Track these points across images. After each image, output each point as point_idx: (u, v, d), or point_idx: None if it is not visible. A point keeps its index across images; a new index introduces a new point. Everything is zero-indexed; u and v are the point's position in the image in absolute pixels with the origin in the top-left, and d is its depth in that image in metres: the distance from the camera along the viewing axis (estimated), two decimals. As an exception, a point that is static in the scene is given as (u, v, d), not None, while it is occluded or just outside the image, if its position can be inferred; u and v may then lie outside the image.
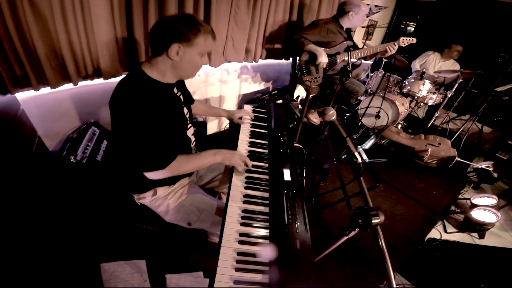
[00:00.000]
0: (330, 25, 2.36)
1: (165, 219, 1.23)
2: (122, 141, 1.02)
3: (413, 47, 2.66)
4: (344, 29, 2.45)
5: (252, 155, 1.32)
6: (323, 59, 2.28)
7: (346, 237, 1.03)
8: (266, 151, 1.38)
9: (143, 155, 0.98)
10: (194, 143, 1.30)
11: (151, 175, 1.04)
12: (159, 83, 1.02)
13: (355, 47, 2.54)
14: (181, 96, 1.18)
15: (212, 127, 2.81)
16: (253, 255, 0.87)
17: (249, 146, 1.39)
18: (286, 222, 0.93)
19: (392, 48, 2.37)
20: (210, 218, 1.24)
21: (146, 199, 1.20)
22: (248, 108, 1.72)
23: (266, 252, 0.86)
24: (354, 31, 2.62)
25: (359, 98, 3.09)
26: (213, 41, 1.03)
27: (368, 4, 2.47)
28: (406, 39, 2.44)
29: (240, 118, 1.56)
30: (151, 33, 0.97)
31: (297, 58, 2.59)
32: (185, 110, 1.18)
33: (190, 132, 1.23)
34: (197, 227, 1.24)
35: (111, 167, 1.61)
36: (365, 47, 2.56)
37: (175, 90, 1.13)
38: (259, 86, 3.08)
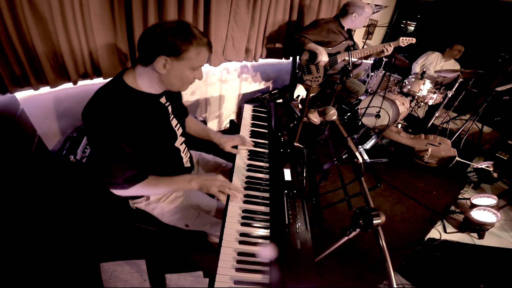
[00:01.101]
0: (331, 25, 2.36)
1: (163, 221, 1.21)
2: (92, 152, 0.96)
3: (413, 47, 2.66)
4: (345, 29, 2.45)
5: (252, 155, 1.32)
6: (323, 58, 2.28)
7: (346, 237, 1.03)
8: (267, 150, 1.38)
9: (106, 172, 0.91)
10: (186, 151, 1.21)
11: (116, 192, 0.99)
12: (141, 93, 0.93)
13: (355, 46, 2.54)
14: (169, 106, 1.07)
15: (212, 127, 2.81)
16: (254, 255, 0.87)
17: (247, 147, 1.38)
18: (287, 222, 0.93)
19: (388, 49, 2.39)
20: (208, 220, 1.21)
21: (141, 203, 1.18)
22: (247, 108, 1.71)
23: (267, 252, 0.86)
24: (355, 31, 2.62)
25: (359, 97, 3.09)
26: (208, 54, 0.93)
27: (368, 4, 2.47)
28: (406, 39, 2.44)
29: (235, 147, 1.32)
30: (139, 40, 0.88)
31: (297, 57, 2.59)
32: (174, 121, 1.09)
33: (179, 142, 1.13)
34: (195, 228, 1.21)
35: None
36: (365, 46, 2.56)
37: (163, 100, 1.03)
38: (259, 85, 3.07)
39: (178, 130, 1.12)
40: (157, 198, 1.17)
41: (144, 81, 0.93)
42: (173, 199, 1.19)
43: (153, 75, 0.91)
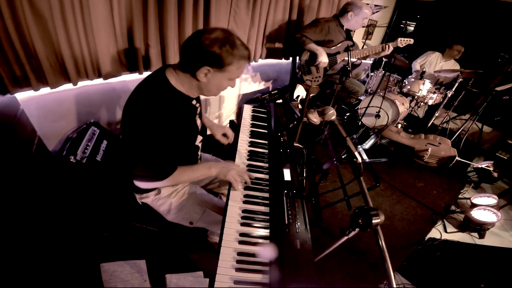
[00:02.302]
0: (331, 24, 2.36)
1: (167, 218, 1.22)
2: (130, 145, 1.00)
3: (413, 47, 2.66)
4: (344, 28, 2.45)
5: (252, 155, 1.32)
6: (323, 59, 2.28)
7: (346, 237, 1.03)
8: (266, 151, 1.38)
9: (147, 164, 0.99)
10: (200, 151, 1.28)
11: (145, 184, 1.08)
12: (181, 95, 0.99)
13: (355, 47, 2.54)
14: (199, 107, 1.14)
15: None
16: (254, 255, 0.87)
17: (249, 146, 1.39)
18: (286, 222, 0.93)
19: (386, 49, 2.40)
20: (212, 217, 1.23)
21: (149, 198, 1.20)
22: (247, 109, 1.72)
23: (266, 252, 0.86)
24: (354, 32, 2.62)
25: (359, 98, 3.09)
26: (247, 65, 1.00)
27: (368, 4, 2.47)
28: (404, 40, 2.45)
29: (224, 135, 1.43)
30: (184, 46, 0.91)
31: (297, 57, 2.59)
32: (198, 121, 1.16)
33: (198, 140, 1.21)
34: (199, 225, 1.24)
35: (111, 167, 1.61)
36: (365, 46, 2.56)
37: (194, 102, 1.10)
38: (259, 85, 3.08)
39: (200, 128, 1.19)
40: (168, 193, 1.20)
41: (184, 85, 0.98)
42: (181, 195, 1.22)
43: (193, 82, 0.96)
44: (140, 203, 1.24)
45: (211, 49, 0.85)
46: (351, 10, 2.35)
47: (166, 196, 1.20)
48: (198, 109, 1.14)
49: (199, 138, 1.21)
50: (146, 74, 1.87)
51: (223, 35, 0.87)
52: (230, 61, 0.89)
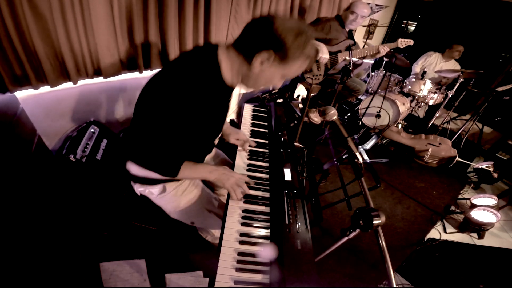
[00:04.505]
0: (332, 23, 2.37)
1: (170, 215, 1.18)
2: (141, 129, 0.84)
3: (414, 47, 2.66)
4: (346, 28, 2.45)
5: (252, 154, 1.32)
6: (324, 54, 2.29)
7: (346, 238, 1.03)
8: (267, 150, 1.38)
9: (154, 155, 0.86)
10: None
11: (143, 172, 0.97)
12: (224, 86, 0.88)
13: (356, 46, 2.54)
14: (230, 104, 1.05)
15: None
16: (254, 255, 0.87)
17: (249, 146, 1.38)
18: (287, 222, 0.93)
19: (382, 51, 2.41)
20: (213, 221, 1.21)
21: (153, 194, 1.10)
22: (247, 108, 1.71)
23: (267, 252, 0.86)
24: (355, 31, 2.62)
25: (359, 97, 3.09)
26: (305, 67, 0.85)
27: (369, 4, 2.47)
28: (404, 41, 2.46)
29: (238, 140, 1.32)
30: (251, 24, 0.78)
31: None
32: (227, 118, 1.09)
33: (217, 138, 1.15)
34: (198, 225, 1.23)
35: (111, 166, 1.60)
36: (366, 46, 2.56)
37: (231, 97, 1.00)
38: (260, 85, 3.07)
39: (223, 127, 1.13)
40: (175, 192, 1.10)
41: (232, 70, 0.85)
42: (191, 197, 1.15)
43: (243, 67, 0.83)
44: (139, 194, 1.14)
45: (283, 35, 0.74)
46: (351, 9, 2.36)
47: (173, 195, 1.10)
48: (230, 106, 1.04)
49: (219, 136, 1.14)
50: (146, 73, 1.86)
51: (301, 26, 0.76)
52: (298, 55, 0.78)
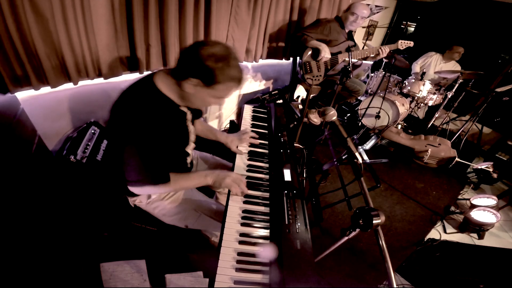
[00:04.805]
0: (333, 24, 2.38)
1: (163, 220, 1.22)
2: (117, 152, 0.94)
3: (413, 48, 2.66)
4: (346, 30, 2.46)
5: (252, 155, 1.32)
6: (325, 54, 2.29)
7: (346, 238, 1.03)
8: (267, 151, 1.38)
9: (137, 172, 0.94)
10: (191, 158, 1.25)
11: (136, 190, 1.03)
12: (169, 101, 0.96)
13: (356, 47, 2.55)
14: (188, 113, 1.09)
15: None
16: (254, 255, 0.87)
17: (249, 146, 1.39)
18: (287, 222, 0.93)
19: (382, 52, 2.41)
20: (207, 222, 1.23)
21: (142, 202, 1.18)
22: (247, 109, 1.72)
23: (267, 252, 0.86)
24: (355, 32, 2.63)
25: (359, 98, 3.09)
26: (237, 89, 0.94)
27: (369, 5, 2.48)
28: (404, 42, 2.47)
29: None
30: (182, 53, 0.88)
31: (298, 58, 2.59)
32: (191, 128, 1.13)
33: (190, 147, 1.19)
34: (194, 228, 1.24)
35: (110, 166, 1.60)
36: (365, 47, 2.57)
37: (184, 108, 1.05)
38: (259, 86, 3.08)
39: (191, 135, 1.15)
40: (160, 197, 1.18)
41: (172, 91, 0.95)
42: (175, 199, 1.20)
43: (179, 90, 0.93)
44: (133, 206, 1.22)
45: (205, 62, 0.82)
46: (349, 9, 2.37)
47: (158, 200, 1.17)
48: (188, 115, 1.09)
49: (192, 145, 1.19)
50: (146, 73, 1.87)
51: (222, 52, 0.84)
52: (220, 80, 0.86)
